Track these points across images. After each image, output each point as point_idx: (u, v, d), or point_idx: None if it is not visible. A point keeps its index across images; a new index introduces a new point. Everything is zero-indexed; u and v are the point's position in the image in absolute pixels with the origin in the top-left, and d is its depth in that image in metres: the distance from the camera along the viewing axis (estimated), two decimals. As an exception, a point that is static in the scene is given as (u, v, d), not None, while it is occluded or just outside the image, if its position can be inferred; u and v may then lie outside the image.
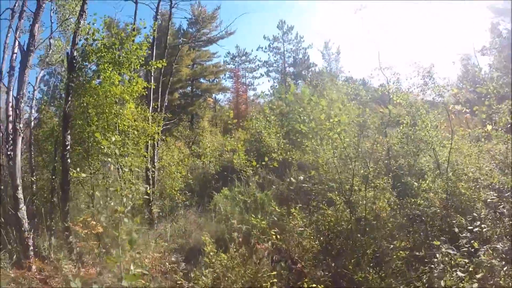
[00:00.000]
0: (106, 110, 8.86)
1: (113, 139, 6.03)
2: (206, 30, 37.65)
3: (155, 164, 11.63)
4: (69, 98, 8.80)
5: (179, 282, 5.32)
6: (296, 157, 12.78)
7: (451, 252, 5.29)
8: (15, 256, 7.46)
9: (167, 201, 11.49)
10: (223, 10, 38.10)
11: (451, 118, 9.81)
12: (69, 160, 8.64)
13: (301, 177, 9.09)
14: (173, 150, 17.03)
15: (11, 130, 8.60)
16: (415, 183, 9.14)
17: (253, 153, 15.72)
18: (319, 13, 60.52)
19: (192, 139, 22.57)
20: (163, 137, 15.77)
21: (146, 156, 10.20)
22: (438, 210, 7.76)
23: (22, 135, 8.01)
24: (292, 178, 9.28)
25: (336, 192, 8.48)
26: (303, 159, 12.97)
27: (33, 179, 11.39)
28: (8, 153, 8.61)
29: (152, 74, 12.10)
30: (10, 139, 8.77)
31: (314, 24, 62.68)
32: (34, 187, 11.43)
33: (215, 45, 43.66)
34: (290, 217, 7.63)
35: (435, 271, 5.30)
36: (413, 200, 8.36)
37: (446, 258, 5.28)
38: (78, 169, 7.72)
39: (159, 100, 12.11)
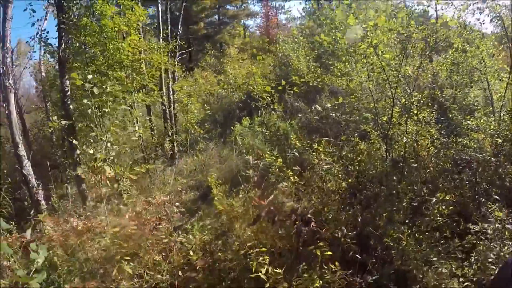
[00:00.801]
0: (107, 47, 8.07)
1: (90, 76, 5.17)
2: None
3: (171, 97, 10.85)
4: (62, 41, 8.01)
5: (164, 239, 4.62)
6: (327, 81, 11.57)
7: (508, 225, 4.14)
8: (32, 211, 7.23)
9: (186, 135, 10.85)
10: None
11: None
12: (71, 106, 8.05)
13: (328, 105, 7.92)
14: (187, 81, 16.27)
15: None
16: (466, 120, 7.73)
17: (281, 79, 14.76)
18: None
19: (219, 67, 21.52)
20: (183, 68, 14.84)
21: (155, 90, 9.42)
22: (489, 157, 6.30)
23: (13, 91, 7.35)
24: (317, 106, 8.13)
25: (371, 124, 7.42)
26: (336, 84, 11.84)
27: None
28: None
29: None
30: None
31: None
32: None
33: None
34: (314, 152, 6.64)
35: (485, 241, 4.23)
36: (460, 140, 7.00)
37: (499, 226, 4.22)
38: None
39: (169, 29, 11.01)
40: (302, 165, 6.74)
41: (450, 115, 8.56)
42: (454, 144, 6.88)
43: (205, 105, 12.73)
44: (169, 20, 11.39)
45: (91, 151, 5.08)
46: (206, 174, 9.12)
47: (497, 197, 5.15)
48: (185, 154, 10.87)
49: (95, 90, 5.03)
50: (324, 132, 9.65)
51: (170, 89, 10.87)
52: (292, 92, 10.98)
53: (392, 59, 7.00)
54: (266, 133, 8.62)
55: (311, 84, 14.47)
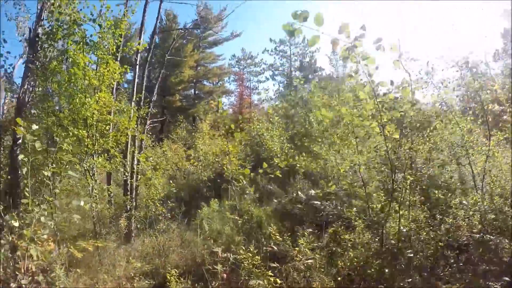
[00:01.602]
0: (74, 100, 7.18)
1: (35, 127, 4.25)
2: (211, 32, 36.63)
3: (134, 167, 9.76)
4: (26, 82, 7.12)
5: None
6: (304, 164, 10.90)
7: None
8: None
9: (147, 211, 9.61)
10: (229, 11, 36.91)
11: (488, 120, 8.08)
12: (19, 157, 6.91)
13: (312, 191, 7.09)
14: (155, 152, 15.30)
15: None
16: (452, 198, 7.20)
17: (253, 159, 14.07)
18: (327, 16, 58.48)
19: (189, 142, 20.76)
20: (152, 138, 13.90)
21: (118, 157, 8.39)
22: (488, 236, 5.68)
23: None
24: (299, 193, 7.26)
25: (359, 214, 6.60)
26: (311, 167, 11.22)
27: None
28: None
29: (137, 62, 10.27)
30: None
31: (322, 28, 60.73)
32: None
33: (220, 47, 42.45)
34: (296, 246, 5.67)
35: None
36: (450, 220, 6.37)
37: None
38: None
39: (143, 93, 10.24)
40: (277, 258, 5.80)
41: (432, 195, 7.88)
42: (444, 226, 6.21)
43: (171, 181, 11.44)
44: (144, 86, 10.62)
45: (16, 224, 4.07)
46: (165, 260, 7.93)
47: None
48: (143, 232, 9.58)
49: (37, 145, 4.04)
50: (299, 218, 8.82)
51: (135, 159, 9.83)
52: (267, 174, 10.20)
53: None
54: (239, 221, 7.56)
55: (284, 167, 13.95)
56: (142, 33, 10.15)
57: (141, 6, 10.01)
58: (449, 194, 7.65)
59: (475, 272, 5.25)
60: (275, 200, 9.16)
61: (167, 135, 24.37)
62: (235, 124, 18.07)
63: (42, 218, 4.20)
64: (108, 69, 7.35)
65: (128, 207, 9.07)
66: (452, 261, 5.57)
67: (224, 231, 7.96)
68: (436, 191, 7.90)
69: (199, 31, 35.75)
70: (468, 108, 8.94)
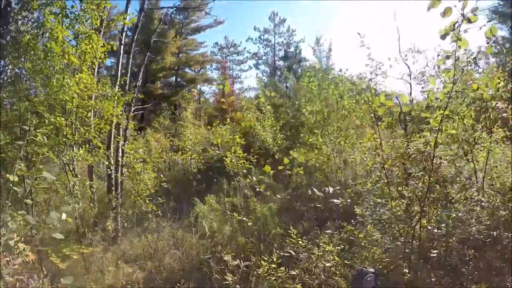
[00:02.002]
0: (51, 82, 6.15)
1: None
2: (195, 18, 35.60)
3: (119, 160, 8.71)
4: None
5: None
6: (301, 157, 10.14)
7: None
8: None
9: (134, 209, 8.59)
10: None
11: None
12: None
13: (329, 188, 6.18)
14: (147, 144, 14.22)
15: None
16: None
17: (243, 150, 13.28)
18: (313, 7, 57.76)
19: (173, 131, 19.69)
20: (136, 127, 12.79)
21: (101, 148, 7.37)
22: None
23: None
24: (314, 190, 6.33)
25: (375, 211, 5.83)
26: (310, 160, 10.50)
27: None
28: None
29: (122, 41, 9.19)
30: None
31: (308, 19, 60.10)
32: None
33: (202, 34, 41.20)
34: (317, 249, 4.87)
35: None
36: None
37: None
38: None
39: (128, 77, 9.15)
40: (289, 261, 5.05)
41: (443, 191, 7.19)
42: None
43: (161, 175, 10.17)
44: (129, 70, 9.55)
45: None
46: (159, 262, 7.06)
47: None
48: (130, 231, 8.62)
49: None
50: (298, 213, 8.16)
51: (120, 150, 8.78)
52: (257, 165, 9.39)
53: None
54: (249, 223, 6.61)
55: (277, 157, 13.20)
56: (128, 8, 9.06)
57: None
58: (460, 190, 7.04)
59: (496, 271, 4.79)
60: (278, 196, 8.29)
61: (148, 124, 23.25)
62: (223, 112, 17.28)
63: (10, 223, 3.26)
64: (91, 45, 6.34)
65: (114, 204, 8.03)
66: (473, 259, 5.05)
67: (226, 232, 7.09)
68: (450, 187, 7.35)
69: (181, 16, 34.70)
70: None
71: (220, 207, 7.82)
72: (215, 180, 10.17)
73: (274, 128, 13.86)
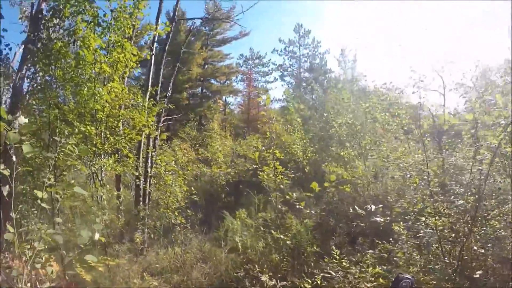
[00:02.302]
0: (81, 90, 6.04)
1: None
2: (220, 30, 35.72)
3: (148, 170, 8.55)
4: (24, 67, 5.96)
5: None
6: (333, 171, 9.79)
7: None
8: None
9: (161, 220, 8.36)
10: (238, 10, 35.90)
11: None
12: (14, 158, 5.74)
13: (371, 206, 5.77)
14: (174, 154, 14.04)
15: None
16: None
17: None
18: (338, 17, 57.28)
19: (200, 141, 19.55)
20: (164, 136, 12.64)
21: (131, 158, 7.21)
22: None
23: None
24: (356, 208, 5.92)
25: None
26: (343, 174, 10.14)
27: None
28: None
29: (153, 51, 9.08)
30: None
31: (332, 30, 59.67)
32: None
33: (228, 45, 41.20)
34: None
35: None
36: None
37: None
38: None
39: (159, 87, 9.02)
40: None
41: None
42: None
43: (192, 187, 9.45)
44: (160, 78, 9.41)
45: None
46: (186, 276, 6.81)
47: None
48: (157, 243, 8.41)
49: (25, 148, 2.90)
50: (328, 228, 7.94)
51: (149, 161, 8.62)
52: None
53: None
54: (287, 241, 6.25)
55: (306, 170, 12.89)
56: (159, 18, 8.96)
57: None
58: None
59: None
60: (313, 212, 7.93)
61: (175, 134, 23.17)
62: (248, 123, 17.05)
63: (37, 244, 3.07)
64: (123, 54, 6.22)
65: (142, 215, 7.83)
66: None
67: (257, 248, 6.79)
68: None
69: (207, 28, 34.88)
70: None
71: (253, 222, 7.48)
72: (245, 193, 9.91)
73: (304, 141, 13.56)
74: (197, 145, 18.93)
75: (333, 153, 12.57)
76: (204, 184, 13.78)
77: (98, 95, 5.86)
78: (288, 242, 5.75)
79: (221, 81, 38.49)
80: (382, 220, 5.63)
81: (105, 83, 6.38)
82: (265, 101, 24.46)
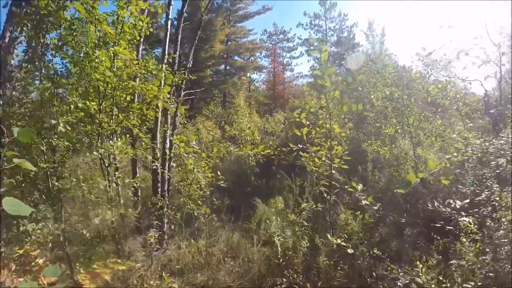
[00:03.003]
0: (84, 59, 4.92)
1: None
2: (242, 5, 34.36)
3: (167, 152, 7.38)
4: (7, 34, 4.90)
5: None
6: (374, 149, 8.62)
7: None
8: None
9: (183, 209, 7.23)
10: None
11: None
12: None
13: (456, 202, 4.41)
14: (198, 133, 12.96)
15: None
16: None
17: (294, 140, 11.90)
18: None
19: (225, 118, 18.41)
20: (186, 114, 11.41)
21: (145, 139, 6.10)
22: None
23: None
24: (436, 204, 4.60)
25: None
26: (384, 153, 8.97)
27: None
28: None
29: (169, 14, 7.86)
30: None
31: (359, 2, 57.20)
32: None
33: (251, 21, 39.78)
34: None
35: None
36: None
37: None
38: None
39: (178, 55, 7.82)
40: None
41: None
42: None
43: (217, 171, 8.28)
44: (178, 49, 8.19)
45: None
46: (212, 276, 5.76)
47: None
48: (178, 234, 7.35)
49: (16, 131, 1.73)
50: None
51: (167, 141, 7.47)
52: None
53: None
54: (348, 249, 4.83)
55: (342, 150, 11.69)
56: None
57: None
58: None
59: None
60: (375, 208, 6.67)
61: (198, 112, 22.10)
62: (274, 99, 15.80)
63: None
64: (130, 11, 5.02)
65: (160, 204, 6.70)
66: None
67: (300, 249, 5.65)
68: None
69: (228, 4, 33.54)
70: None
71: (296, 217, 6.19)
72: (278, 176, 8.76)
73: (343, 117, 12.32)
74: (223, 122, 17.80)
75: (371, 130, 11.38)
76: (230, 164, 12.64)
77: (96, 61, 4.69)
78: (349, 251, 4.46)
79: (245, 58, 37.32)
80: (467, 220, 4.30)
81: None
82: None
